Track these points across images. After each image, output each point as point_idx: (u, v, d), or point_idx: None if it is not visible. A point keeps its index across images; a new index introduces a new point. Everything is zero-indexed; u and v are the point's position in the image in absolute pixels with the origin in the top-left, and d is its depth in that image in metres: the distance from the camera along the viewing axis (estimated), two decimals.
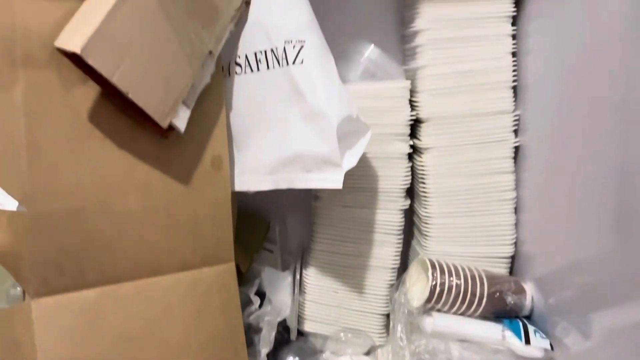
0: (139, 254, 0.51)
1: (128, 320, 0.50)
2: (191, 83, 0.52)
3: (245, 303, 0.68)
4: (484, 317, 0.63)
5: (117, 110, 0.50)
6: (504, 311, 0.63)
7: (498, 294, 0.62)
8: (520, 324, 0.61)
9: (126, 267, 0.51)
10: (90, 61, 0.42)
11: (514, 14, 0.66)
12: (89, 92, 0.48)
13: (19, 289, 0.66)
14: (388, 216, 0.70)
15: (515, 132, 0.68)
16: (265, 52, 0.58)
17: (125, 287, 0.50)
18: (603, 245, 0.51)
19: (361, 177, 0.68)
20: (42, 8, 0.45)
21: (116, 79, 0.44)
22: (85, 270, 0.48)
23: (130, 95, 0.45)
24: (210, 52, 0.54)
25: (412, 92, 0.69)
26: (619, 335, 0.49)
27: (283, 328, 0.73)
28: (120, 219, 0.50)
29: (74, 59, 0.44)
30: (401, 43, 0.76)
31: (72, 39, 0.43)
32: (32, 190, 0.45)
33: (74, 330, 0.47)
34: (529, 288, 0.65)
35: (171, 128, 0.51)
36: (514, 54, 0.67)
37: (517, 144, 0.67)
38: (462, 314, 0.63)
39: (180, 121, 0.52)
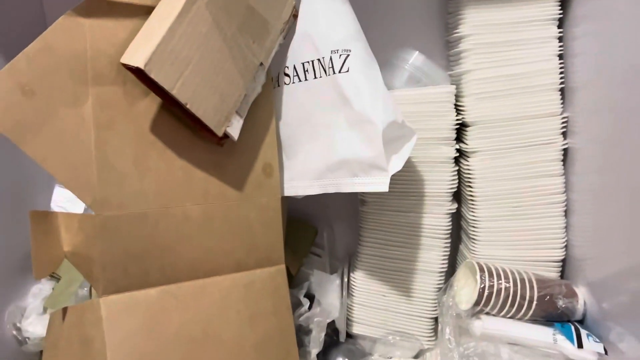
0: (197, 256, 0.54)
1: (187, 318, 0.53)
2: (244, 94, 0.55)
3: (295, 305, 0.70)
4: (534, 320, 0.63)
5: (176, 121, 0.53)
6: (555, 315, 0.62)
7: (548, 297, 0.62)
8: (572, 327, 0.60)
9: (185, 268, 0.54)
10: (153, 75, 0.45)
11: (560, 16, 0.65)
12: (151, 105, 0.52)
13: (85, 289, 0.71)
14: (435, 220, 0.70)
15: (564, 134, 0.67)
16: (313, 62, 0.60)
17: (185, 286, 0.53)
18: None
19: (408, 182, 0.69)
20: (110, 29, 0.49)
21: (176, 92, 0.47)
22: (148, 271, 0.51)
23: (189, 106, 0.49)
24: (261, 64, 0.57)
25: (457, 96, 0.69)
26: None
27: (332, 330, 0.74)
28: (180, 224, 0.53)
29: (138, 73, 0.48)
30: (445, 49, 0.76)
31: (136, 56, 0.46)
32: (101, 197, 0.49)
33: (139, 326, 0.50)
34: (581, 292, 0.64)
35: (226, 136, 0.54)
36: (560, 57, 0.66)
37: (565, 147, 0.67)
38: (511, 317, 0.63)
39: (234, 130, 0.54)
